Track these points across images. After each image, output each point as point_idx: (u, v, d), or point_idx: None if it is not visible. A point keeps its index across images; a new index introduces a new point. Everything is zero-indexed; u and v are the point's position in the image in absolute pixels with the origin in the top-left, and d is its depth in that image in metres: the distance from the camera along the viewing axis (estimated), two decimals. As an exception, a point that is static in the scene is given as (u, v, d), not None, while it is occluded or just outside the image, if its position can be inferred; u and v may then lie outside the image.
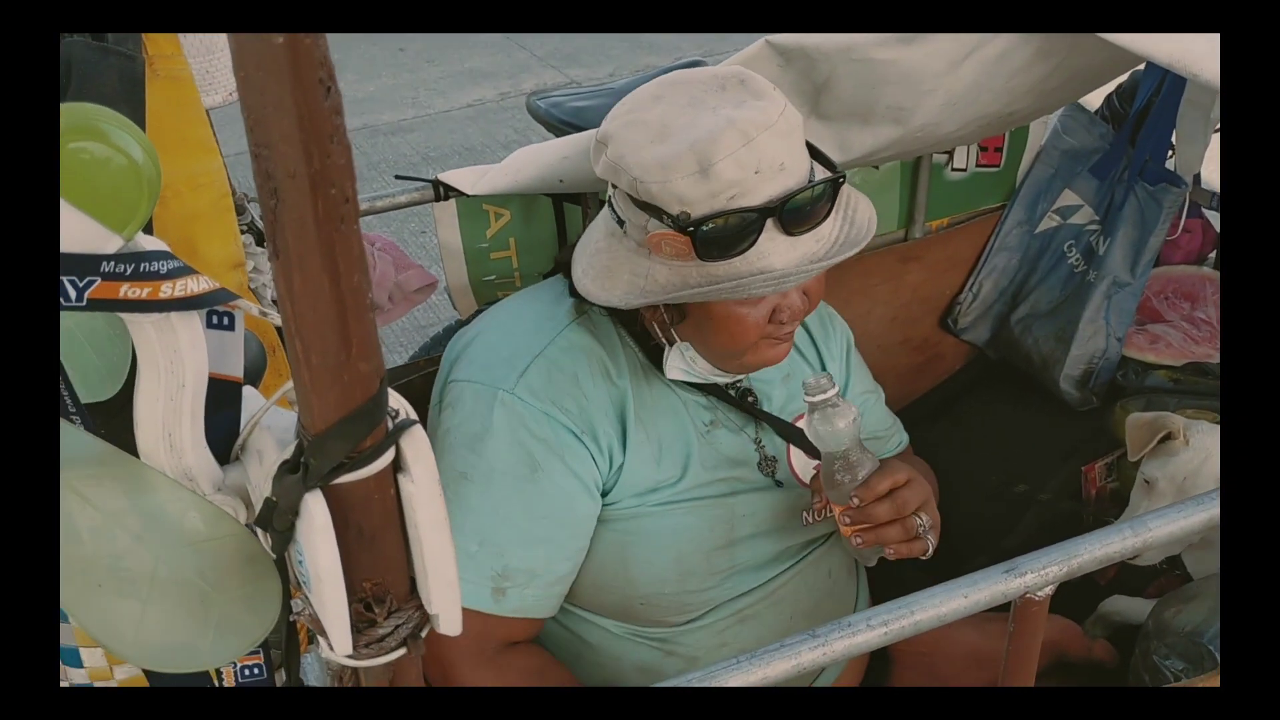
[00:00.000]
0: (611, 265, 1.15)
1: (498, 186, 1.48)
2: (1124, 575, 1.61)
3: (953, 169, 1.86)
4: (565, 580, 1.21)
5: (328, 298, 0.54)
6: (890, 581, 1.54)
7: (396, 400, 0.63)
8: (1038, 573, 0.82)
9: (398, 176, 1.50)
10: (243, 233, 1.22)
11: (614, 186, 1.14)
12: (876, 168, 1.79)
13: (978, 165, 1.87)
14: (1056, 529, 1.73)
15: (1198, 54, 0.99)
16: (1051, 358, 1.88)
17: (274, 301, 1.41)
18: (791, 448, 1.32)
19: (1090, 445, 1.80)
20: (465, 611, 1.15)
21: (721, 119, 1.05)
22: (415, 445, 0.59)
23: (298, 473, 0.59)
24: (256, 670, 0.72)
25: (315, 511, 0.58)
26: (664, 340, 1.21)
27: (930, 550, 1.20)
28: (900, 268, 1.91)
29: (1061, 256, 1.93)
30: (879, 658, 1.45)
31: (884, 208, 1.86)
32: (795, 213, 1.08)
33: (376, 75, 5.16)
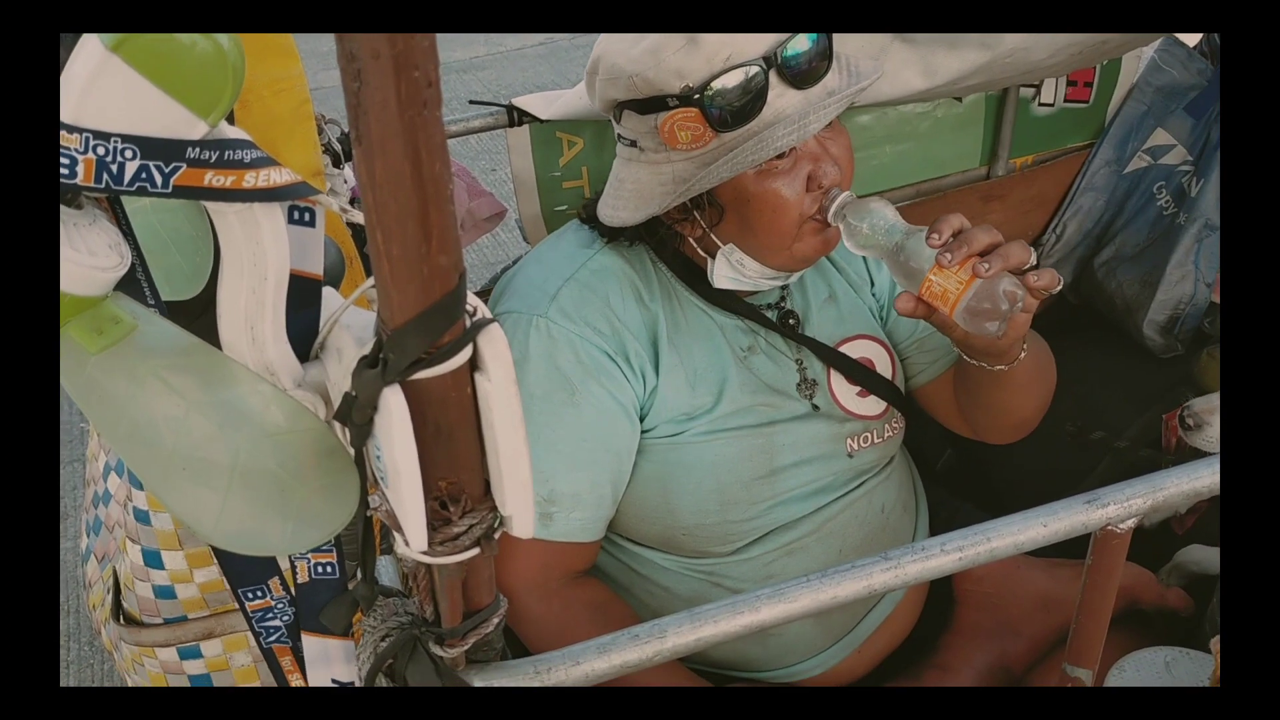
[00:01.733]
0: (637, 188, 1.15)
1: (572, 110, 1.47)
2: (1201, 525, 1.57)
3: (1040, 104, 1.79)
4: (610, 503, 1.22)
5: (409, 185, 0.53)
6: (950, 524, 1.53)
7: (473, 300, 0.63)
8: (1121, 504, 0.80)
9: (472, 102, 1.49)
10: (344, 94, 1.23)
11: (617, 120, 1.15)
12: (960, 100, 1.74)
13: (1066, 101, 1.80)
14: (1132, 477, 1.69)
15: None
16: (1136, 302, 1.82)
17: (347, 223, 1.42)
18: (833, 373, 1.30)
19: (1173, 393, 1.74)
20: (517, 540, 1.18)
21: None
22: (493, 344, 0.59)
23: (376, 367, 0.59)
24: (329, 568, 0.73)
25: (394, 406, 0.58)
26: (705, 254, 1.20)
27: (1056, 281, 1.04)
28: (982, 207, 1.85)
29: (1150, 198, 1.86)
30: (943, 597, 1.44)
31: (967, 143, 1.80)
32: (795, 62, 1.07)
33: (448, 13, 5.14)
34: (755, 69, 1.05)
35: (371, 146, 0.53)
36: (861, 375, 1.32)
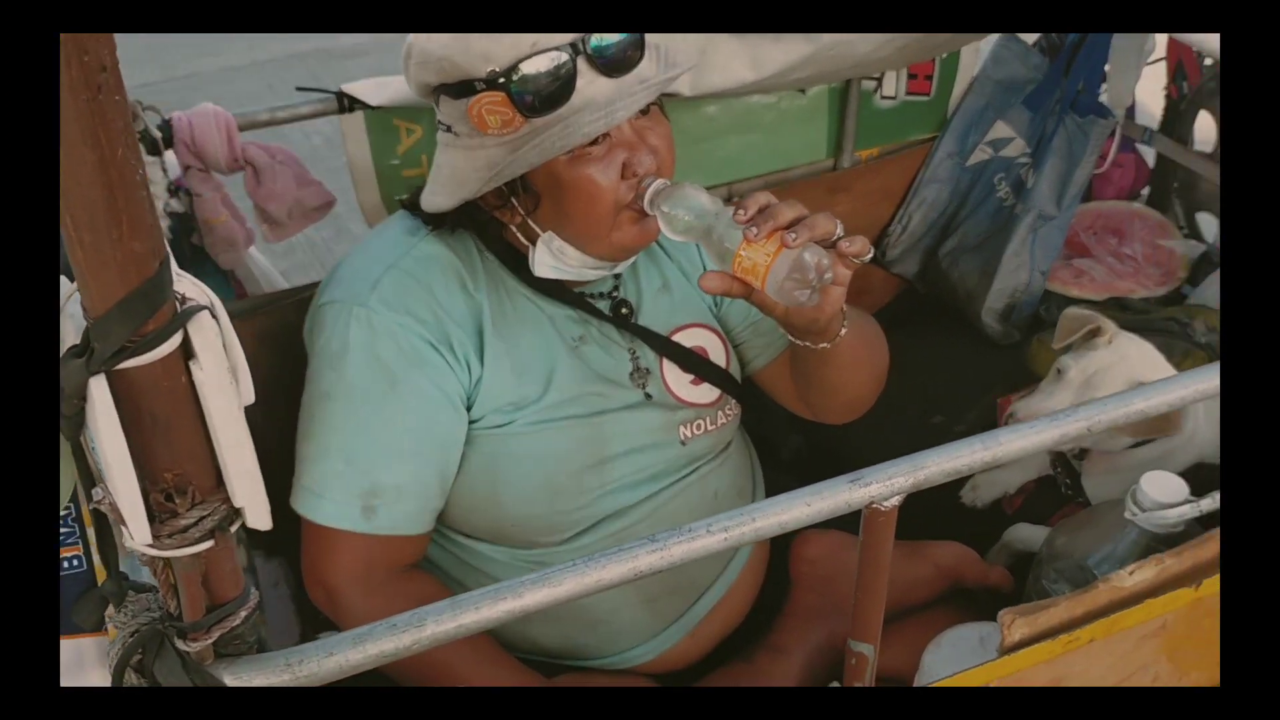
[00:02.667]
0: (453, 173, 1.14)
1: (404, 96, 1.45)
2: (1030, 504, 1.63)
3: (882, 96, 1.84)
4: (437, 495, 1.21)
5: (91, 172, 0.52)
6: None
7: (197, 289, 0.62)
8: (883, 483, 0.83)
9: (299, 89, 1.47)
10: None
11: (437, 105, 1.15)
12: (803, 92, 1.77)
13: (907, 93, 1.85)
14: (970, 460, 1.74)
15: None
16: (976, 291, 1.88)
17: (166, 213, 1.39)
18: (665, 361, 1.31)
19: (1009, 378, 1.80)
20: (338, 533, 1.18)
21: None
22: (202, 331, 0.58)
23: (83, 357, 0.58)
24: (76, 562, 0.71)
25: (98, 396, 0.57)
26: (527, 242, 1.20)
27: (867, 248, 1.05)
28: (829, 199, 1.89)
29: (991, 189, 1.92)
30: (779, 580, 1.46)
31: (812, 135, 1.84)
32: (604, 50, 1.07)
33: (333, -2, 5.04)
34: (563, 55, 1.06)
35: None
36: (694, 363, 1.34)
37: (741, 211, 1.04)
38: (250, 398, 0.64)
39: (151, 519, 0.63)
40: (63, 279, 0.69)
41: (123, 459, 0.59)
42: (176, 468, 0.63)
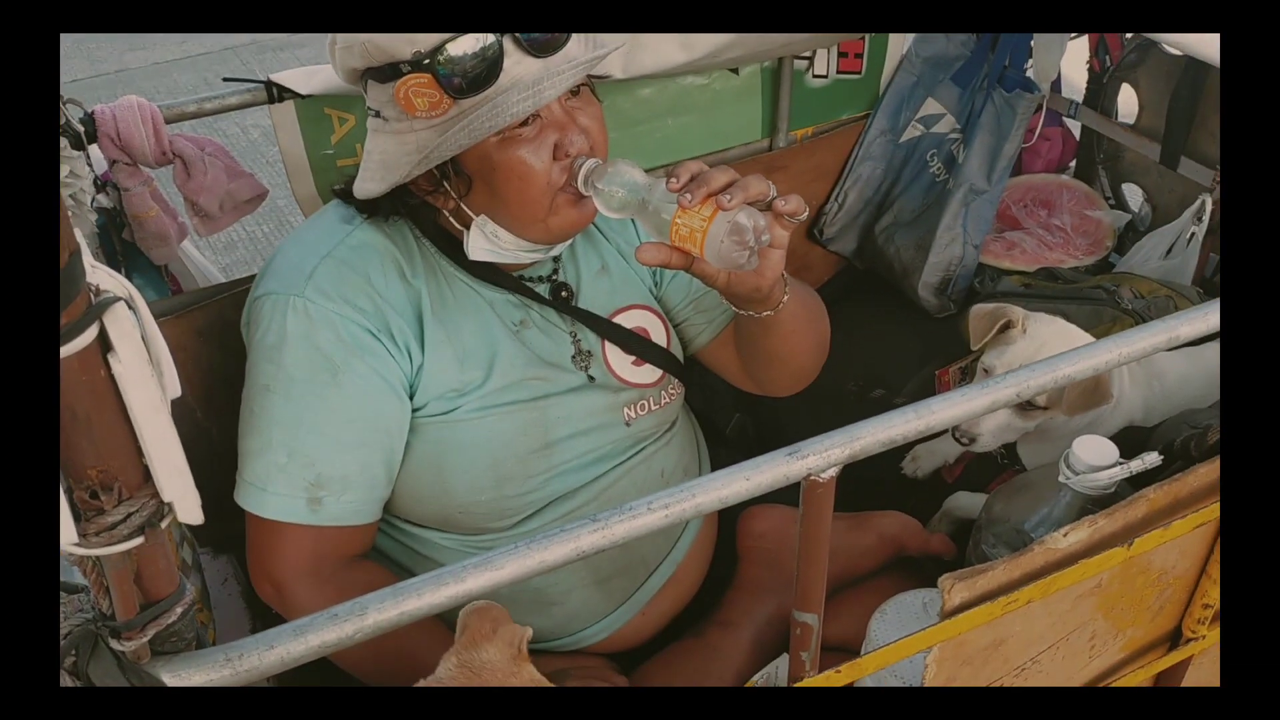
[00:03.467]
0: (384, 158, 1.13)
1: (333, 84, 1.43)
2: (969, 473, 1.66)
3: (814, 75, 1.85)
4: (384, 484, 1.21)
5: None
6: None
7: (115, 281, 0.61)
8: (820, 454, 0.84)
9: (225, 79, 1.44)
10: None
11: (365, 91, 1.14)
12: (736, 73, 1.78)
13: (838, 72, 1.87)
14: (911, 432, 1.77)
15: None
16: (911, 266, 1.91)
17: (95, 208, 1.36)
18: (607, 344, 1.31)
19: (946, 350, 1.84)
20: (284, 526, 1.17)
21: None
22: (119, 324, 0.57)
23: (-5, 352, 0.56)
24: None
25: (14, 393, 0.56)
26: (461, 226, 1.19)
27: (802, 206, 1.06)
28: (766, 178, 1.90)
29: (924, 165, 1.94)
30: (727, 555, 1.48)
31: (746, 115, 1.85)
32: (535, 33, 1.07)
33: (265, -11, 4.95)
34: (489, 36, 1.05)
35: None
36: (636, 344, 1.34)
37: (674, 180, 1.04)
38: (176, 390, 0.63)
39: (77, 517, 0.62)
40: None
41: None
42: (101, 464, 0.61)
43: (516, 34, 1.06)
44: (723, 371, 1.46)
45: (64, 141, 1.26)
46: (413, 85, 1.07)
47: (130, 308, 0.58)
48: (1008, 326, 1.46)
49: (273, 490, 1.15)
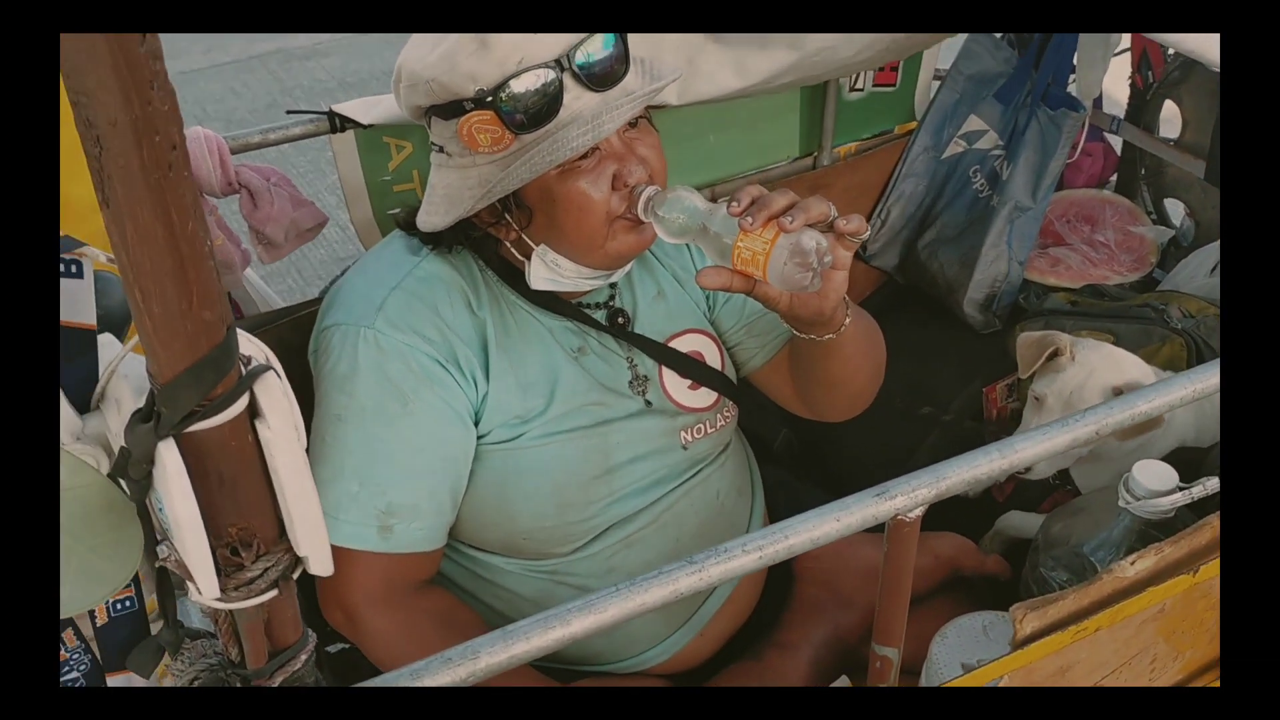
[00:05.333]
0: (447, 192, 1.16)
1: (394, 115, 1.46)
2: (1020, 491, 1.67)
3: (851, 88, 1.87)
4: (450, 511, 1.23)
5: (162, 246, 0.53)
6: (789, 502, 1.57)
7: (255, 347, 0.63)
8: (907, 495, 0.86)
9: (289, 112, 1.47)
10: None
11: (428, 126, 1.16)
12: (777, 92, 1.79)
13: (874, 85, 1.88)
14: (959, 449, 1.77)
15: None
16: (956, 282, 1.92)
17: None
18: (664, 369, 1.33)
19: (993, 367, 1.85)
20: (356, 554, 1.19)
21: None
22: (269, 391, 0.60)
23: (150, 422, 0.59)
24: (128, 603, 0.72)
25: (168, 460, 0.58)
26: (522, 257, 1.22)
27: (864, 226, 1.06)
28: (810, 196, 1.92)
29: (967, 182, 1.96)
30: (782, 575, 1.49)
31: (783, 131, 1.86)
32: (590, 66, 1.09)
33: (290, -3, 4.97)
34: (549, 72, 1.07)
35: (120, 208, 0.52)
36: (692, 369, 1.36)
37: (735, 204, 1.05)
38: (304, 441, 0.66)
39: (218, 573, 0.64)
40: (108, 336, 0.70)
41: (194, 519, 0.60)
42: (241, 522, 0.64)
43: (575, 69, 1.08)
44: (774, 394, 1.47)
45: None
46: (475, 122, 1.09)
47: (277, 375, 0.60)
48: (1056, 354, 1.48)
49: (344, 518, 1.17)
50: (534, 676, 1.28)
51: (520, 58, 1.06)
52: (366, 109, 1.47)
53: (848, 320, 1.19)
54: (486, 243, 1.24)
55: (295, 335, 1.29)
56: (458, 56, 1.07)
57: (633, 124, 1.16)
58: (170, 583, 0.70)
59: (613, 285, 1.33)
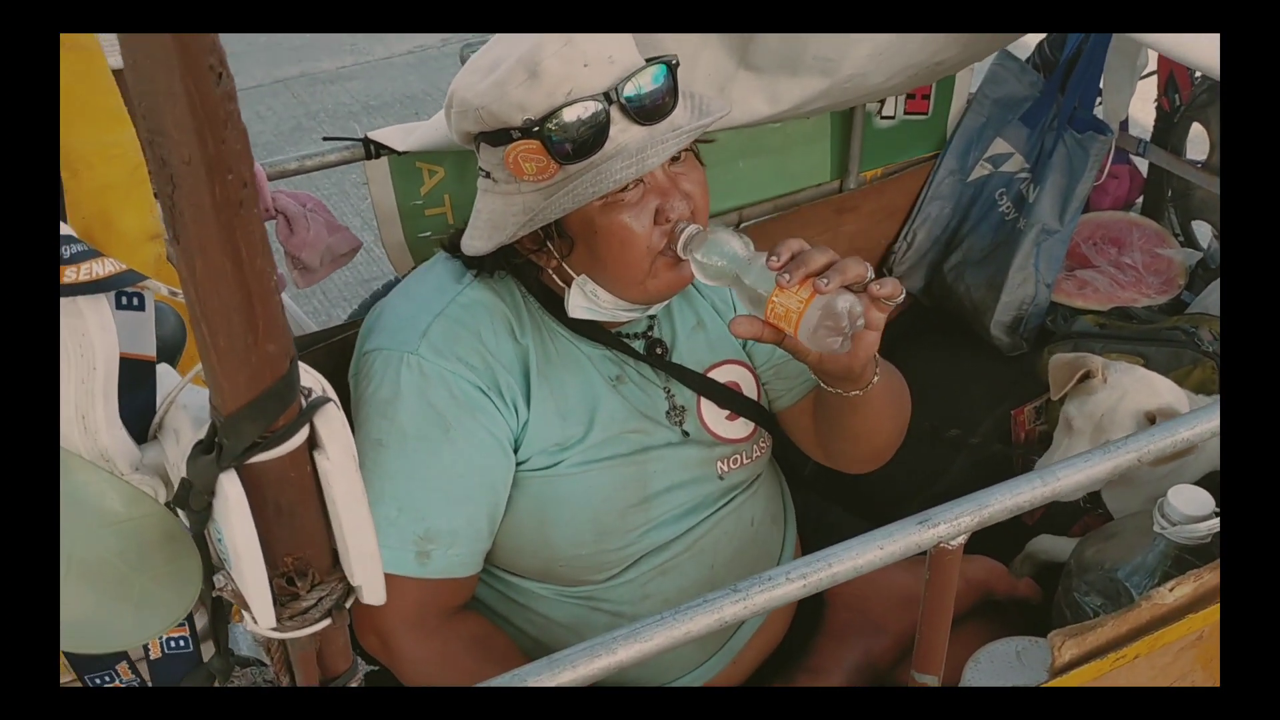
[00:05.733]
0: (491, 218, 1.17)
1: (428, 142, 1.47)
2: (1050, 514, 1.66)
3: (882, 116, 1.87)
4: (487, 537, 1.23)
5: (231, 282, 0.54)
6: (819, 527, 1.57)
7: (312, 378, 0.64)
8: (950, 523, 0.86)
9: (325, 138, 1.48)
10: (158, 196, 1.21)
11: (477, 151, 1.17)
12: (807, 117, 1.80)
13: (906, 113, 1.89)
14: (987, 472, 1.78)
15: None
16: (983, 304, 1.92)
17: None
18: (702, 400, 1.33)
19: (1020, 389, 1.85)
20: (393, 578, 1.18)
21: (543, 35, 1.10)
22: (329, 423, 0.60)
23: (211, 453, 0.59)
24: (182, 642, 0.73)
25: (230, 492, 0.59)
26: (562, 284, 1.23)
27: (899, 290, 1.06)
28: (836, 219, 1.93)
29: (993, 204, 1.96)
30: (813, 599, 1.49)
31: (815, 157, 1.87)
32: (639, 100, 1.10)
33: (313, 21, 5.03)
34: (596, 104, 1.08)
35: (191, 246, 0.53)
36: (729, 399, 1.36)
37: (774, 258, 1.06)
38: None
39: (274, 602, 0.64)
40: (165, 366, 0.71)
41: (253, 549, 0.61)
42: (297, 551, 0.65)
43: (623, 102, 1.09)
44: (796, 438, 1.46)
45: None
46: (522, 150, 1.10)
47: (337, 407, 0.61)
48: (1088, 376, 1.47)
49: (382, 543, 1.17)
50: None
51: (569, 89, 1.08)
52: (402, 136, 1.49)
53: (876, 379, 1.19)
54: (528, 269, 1.25)
55: (328, 359, 1.30)
56: (508, 86, 1.09)
57: (677, 158, 1.17)
58: (224, 611, 0.71)
59: (651, 316, 1.34)
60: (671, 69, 1.12)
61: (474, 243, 1.20)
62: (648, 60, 1.12)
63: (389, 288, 1.88)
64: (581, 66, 1.08)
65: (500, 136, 1.12)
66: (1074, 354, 1.52)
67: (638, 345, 1.32)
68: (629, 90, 1.09)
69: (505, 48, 1.12)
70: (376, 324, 1.27)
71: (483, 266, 1.25)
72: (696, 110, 1.16)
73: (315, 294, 3.23)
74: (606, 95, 1.09)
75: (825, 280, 1.03)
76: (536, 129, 1.09)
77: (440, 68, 4.62)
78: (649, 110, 1.11)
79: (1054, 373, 1.51)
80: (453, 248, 1.27)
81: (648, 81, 1.10)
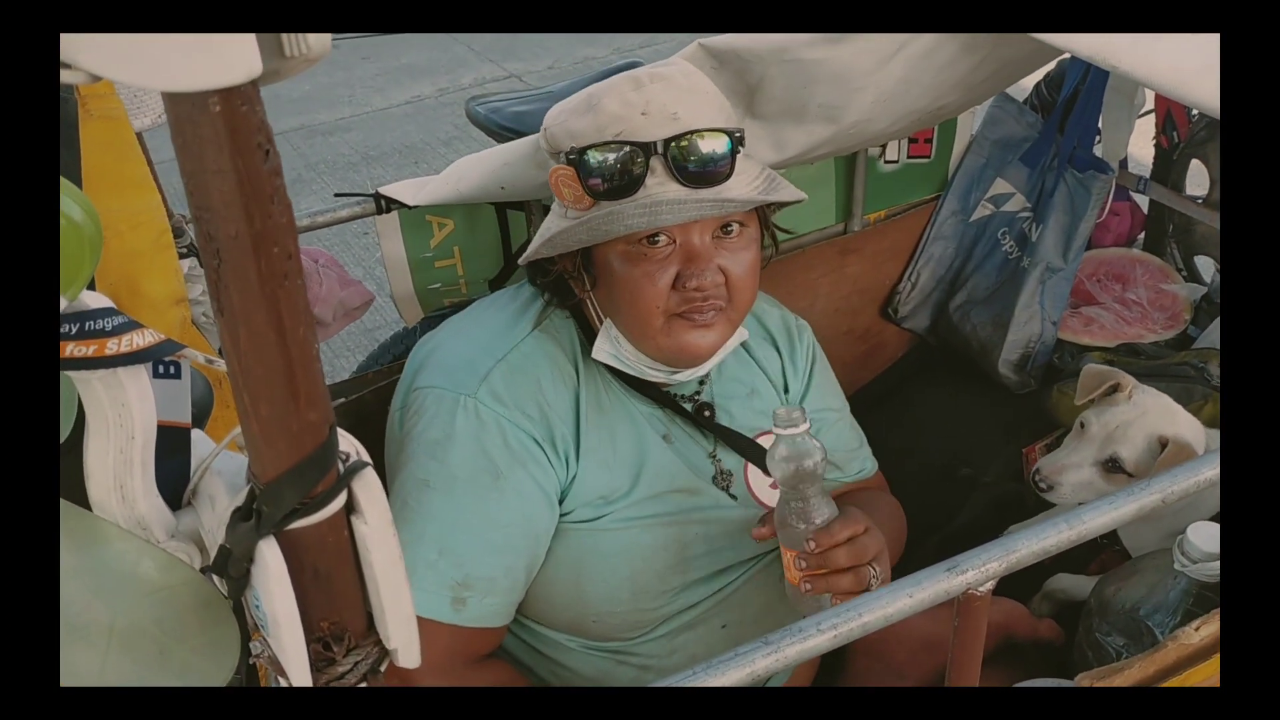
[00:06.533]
0: (543, 231, 1.20)
1: (439, 196, 1.49)
2: (1067, 552, 1.65)
3: (885, 161, 1.90)
4: (523, 588, 1.22)
5: (274, 352, 0.55)
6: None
7: (349, 442, 0.64)
8: (978, 569, 0.86)
9: (337, 195, 1.50)
10: (183, 256, 1.21)
11: None
12: (811, 163, 1.82)
13: (909, 157, 1.91)
14: (1000, 510, 1.78)
15: (1118, 48, 1.03)
16: (990, 343, 1.93)
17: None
18: (749, 465, 1.33)
19: (1030, 427, 1.85)
20: (425, 623, 1.18)
21: (623, 74, 1.14)
22: (367, 488, 0.60)
23: (251, 520, 0.60)
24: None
25: (270, 558, 0.59)
26: (599, 321, 1.24)
27: None
28: (840, 260, 1.94)
29: (996, 244, 1.97)
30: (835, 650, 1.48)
31: (821, 202, 1.89)
32: (682, 159, 1.10)
33: (311, 73, 5.06)
34: (637, 152, 1.10)
35: (235, 316, 0.54)
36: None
37: (813, 543, 1.09)
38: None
39: (311, 668, 0.64)
40: (199, 433, 0.71)
41: (292, 616, 0.61)
42: (333, 615, 0.64)
43: (667, 156, 1.10)
44: None
45: (193, 261, 1.31)
46: (560, 174, 1.13)
47: (374, 471, 0.61)
48: (1115, 389, 1.48)
49: (419, 585, 1.15)
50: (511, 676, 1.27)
51: (619, 130, 1.10)
52: (414, 190, 1.50)
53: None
54: (567, 294, 1.25)
55: (344, 413, 1.30)
56: (568, 113, 1.14)
57: (729, 231, 1.16)
58: (257, 678, 0.71)
59: (702, 380, 1.33)
60: (735, 140, 1.12)
61: (530, 250, 1.22)
62: (718, 129, 1.12)
63: (399, 339, 1.89)
64: (639, 114, 1.10)
65: (554, 158, 1.16)
66: (1108, 367, 1.53)
67: (687, 407, 1.31)
68: (677, 148, 1.10)
69: (598, 85, 1.17)
70: (429, 361, 1.25)
71: (542, 292, 1.26)
72: (763, 188, 1.16)
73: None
74: (652, 145, 1.10)
75: (809, 586, 1.11)
76: (573, 157, 1.11)
77: (438, 118, 4.67)
78: (695, 174, 1.11)
79: (1084, 380, 1.52)
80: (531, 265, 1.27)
81: (700, 145, 1.11)
